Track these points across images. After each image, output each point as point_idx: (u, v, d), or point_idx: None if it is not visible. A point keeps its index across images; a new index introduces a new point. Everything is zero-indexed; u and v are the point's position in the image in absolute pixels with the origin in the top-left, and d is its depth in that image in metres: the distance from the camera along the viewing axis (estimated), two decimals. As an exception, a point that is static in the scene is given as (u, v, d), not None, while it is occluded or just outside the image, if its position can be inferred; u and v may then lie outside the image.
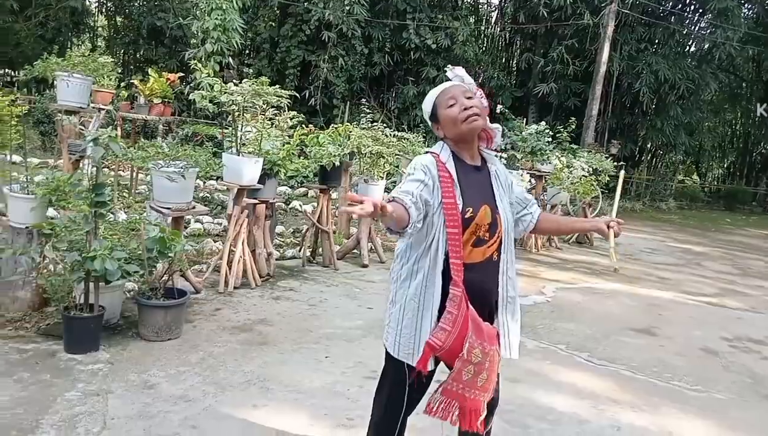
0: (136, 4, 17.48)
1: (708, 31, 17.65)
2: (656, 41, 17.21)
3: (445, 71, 2.39)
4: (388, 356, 2.27)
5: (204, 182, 9.43)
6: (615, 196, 2.56)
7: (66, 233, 3.86)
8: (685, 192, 22.44)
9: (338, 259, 6.59)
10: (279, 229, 7.81)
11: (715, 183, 25.91)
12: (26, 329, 4.04)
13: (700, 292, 7.31)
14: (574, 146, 9.18)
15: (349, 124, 6.45)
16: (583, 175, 8.42)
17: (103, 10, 18.61)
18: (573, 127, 9.08)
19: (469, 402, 2.12)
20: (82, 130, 6.67)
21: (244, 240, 5.30)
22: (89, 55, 6.73)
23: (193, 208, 4.84)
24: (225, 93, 5.00)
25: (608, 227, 2.34)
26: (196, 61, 5.51)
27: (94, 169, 3.88)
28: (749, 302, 7.08)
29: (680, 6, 18.28)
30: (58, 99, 6.18)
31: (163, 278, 4.22)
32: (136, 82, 8.82)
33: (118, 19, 18.44)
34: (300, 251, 6.56)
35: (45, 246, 4.10)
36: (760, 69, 21.85)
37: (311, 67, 16.37)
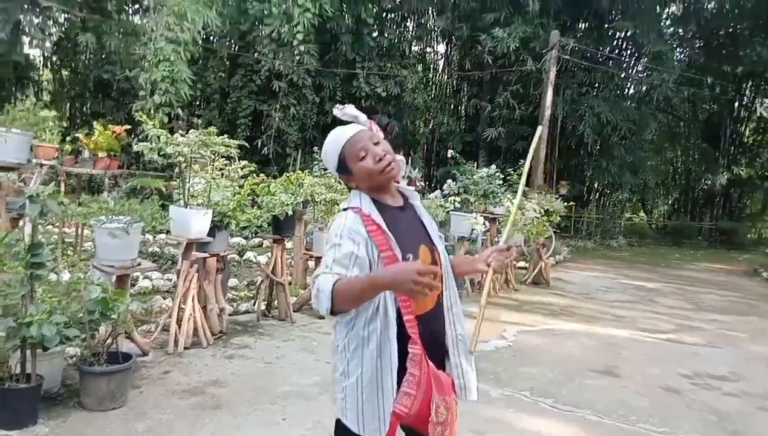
0: (82, 57, 17.23)
1: (645, 74, 18.52)
2: (597, 85, 17.93)
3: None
4: (347, 432, 2.01)
5: (154, 236, 9.13)
6: (512, 207, 2.33)
7: (0, 297, 3.61)
8: (634, 229, 23.06)
9: (295, 311, 6.40)
10: (232, 282, 7.58)
11: (662, 219, 26.80)
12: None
13: (655, 328, 7.38)
14: (525, 188, 9.30)
15: (301, 172, 6.35)
16: (536, 217, 8.51)
17: (48, 63, 18.25)
18: (523, 169, 9.21)
19: None
20: (21, 187, 6.38)
21: (194, 296, 5.08)
22: (31, 109, 6.51)
23: (139, 264, 4.62)
24: (171, 144, 4.85)
25: (487, 263, 2.13)
26: (141, 113, 5.36)
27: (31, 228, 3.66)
28: (705, 336, 7.18)
29: (617, 51, 19.14)
30: (-6, 156, 5.90)
31: (107, 342, 3.97)
32: (80, 136, 8.56)
33: (64, 72, 18.11)
34: (254, 304, 6.35)
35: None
36: (696, 109, 23.00)
37: (263, 116, 16.34)
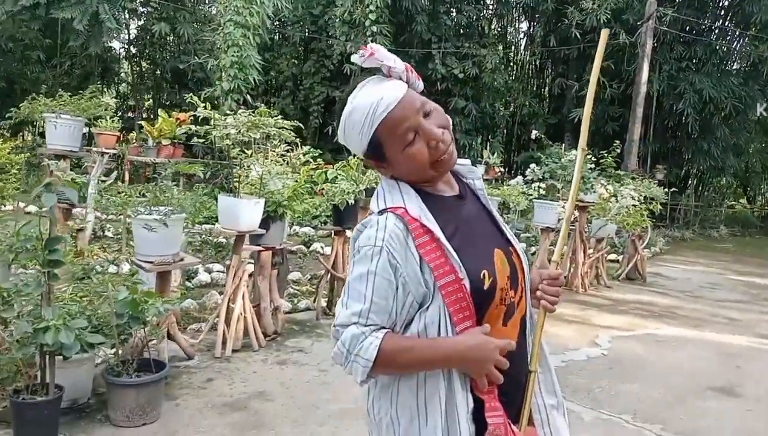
0: (158, 47, 17.37)
1: (753, 46, 16.64)
2: (698, 59, 16.24)
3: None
4: None
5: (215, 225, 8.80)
6: (563, 223, 1.49)
7: (16, 298, 3.20)
8: (736, 218, 21.06)
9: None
10: (295, 275, 7.11)
11: (766, 207, 24.41)
12: (-22, 414, 3.37)
13: (779, 335, 6.30)
14: (620, 173, 8.30)
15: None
16: (633, 205, 7.51)
17: (127, 56, 18.60)
18: (618, 151, 8.21)
19: None
20: (72, 175, 6.12)
21: (244, 294, 4.58)
22: (87, 95, 6.24)
23: (181, 259, 4.15)
24: (217, 126, 4.35)
25: (536, 296, 1.44)
26: (191, 95, 4.89)
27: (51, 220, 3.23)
28: (842, 346, 6.04)
29: (722, 21, 17.32)
30: (46, 143, 5.64)
31: (137, 349, 3.51)
32: (144, 124, 8.34)
33: (143, 63, 18.38)
34: (314, 301, 5.81)
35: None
36: (811, 84, 20.61)
37: (336, 102, 15.91)
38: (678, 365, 5.09)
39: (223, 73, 11.68)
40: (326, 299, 5.83)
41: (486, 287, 1.29)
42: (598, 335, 5.77)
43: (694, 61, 16.10)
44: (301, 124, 5.13)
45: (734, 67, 17.85)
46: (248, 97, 11.87)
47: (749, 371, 5.05)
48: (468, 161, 1.53)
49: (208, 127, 4.48)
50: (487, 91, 16.28)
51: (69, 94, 5.92)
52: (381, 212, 1.33)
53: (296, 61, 16.76)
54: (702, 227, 17.07)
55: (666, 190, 10.07)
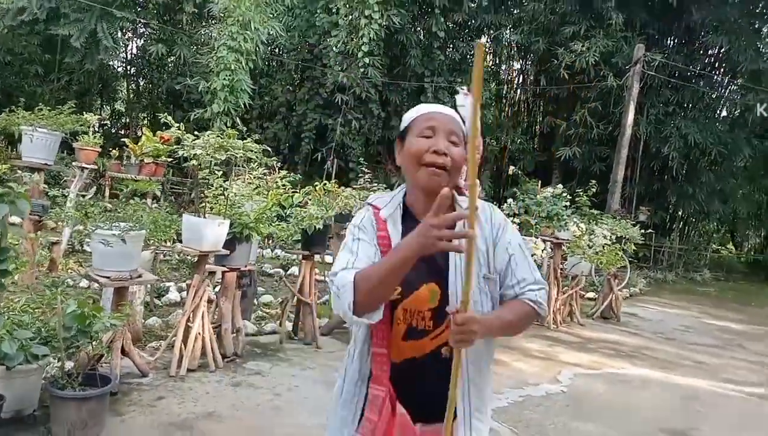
0: (155, 68, 17.57)
1: (740, 94, 16.93)
2: (685, 104, 16.52)
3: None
4: None
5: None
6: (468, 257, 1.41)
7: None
8: (721, 262, 21.14)
9: (323, 334, 5.82)
10: (266, 299, 7.11)
11: (753, 253, 24.52)
12: None
13: (744, 380, 6.31)
14: (595, 212, 8.38)
15: (336, 183, 5.81)
16: (606, 244, 7.57)
17: (126, 74, 18.79)
18: (594, 190, 8.32)
19: None
20: (45, 188, 6.16)
21: (203, 313, 4.58)
22: (65, 111, 6.31)
23: (139, 276, 4.17)
24: (186, 146, 4.41)
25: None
26: (165, 115, 4.97)
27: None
28: (805, 394, 6.05)
29: (709, 68, 17.65)
30: (22, 155, 5.70)
31: (85, 363, 3.51)
32: (127, 141, 8.40)
33: (141, 82, 18.57)
34: (280, 325, 5.81)
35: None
36: (797, 134, 20.91)
37: (327, 130, 16.04)
38: (637, 406, 5.09)
39: (215, 96, 11.82)
40: (292, 324, 5.83)
41: (395, 295, 1.58)
42: (561, 371, 5.77)
43: (681, 106, 16.37)
44: (269, 148, 5.19)
45: (721, 115, 18.12)
46: (238, 120, 11.99)
47: (708, 416, 5.05)
48: (485, 205, 1.74)
49: (177, 147, 4.54)
50: (477, 126, 16.45)
51: (50, 109, 6.00)
52: (369, 204, 1.75)
53: (290, 88, 16.93)
54: (686, 269, 17.13)
55: (645, 231, 10.15)
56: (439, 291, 1.61)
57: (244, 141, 4.74)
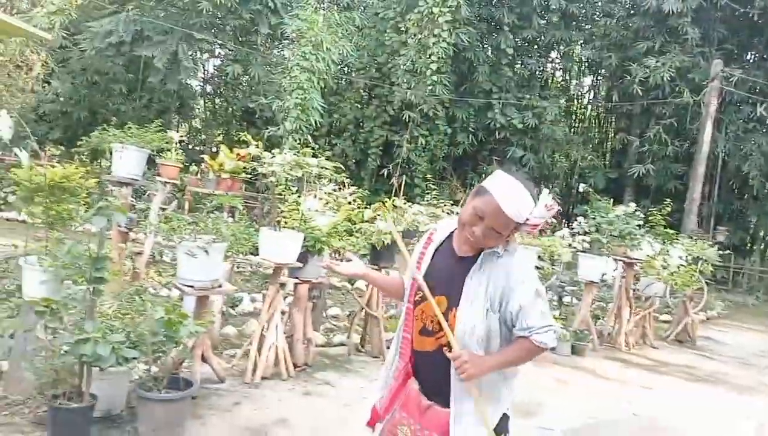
0: (231, 87, 18.33)
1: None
2: (766, 121, 15.80)
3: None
4: None
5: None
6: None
7: (63, 310, 3.49)
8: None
9: (389, 348, 5.90)
10: (335, 311, 7.28)
11: None
12: (23, 415, 3.65)
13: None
14: (670, 231, 8.13)
15: (403, 199, 5.92)
16: (681, 264, 7.34)
17: (203, 93, 19.68)
18: (669, 209, 8.08)
19: None
20: (133, 202, 6.56)
21: (277, 324, 4.77)
22: (152, 129, 6.70)
23: (220, 286, 4.40)
24: (265, 163, 4.63)
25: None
26: (244, 133, 5.23)
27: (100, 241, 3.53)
28: None
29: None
30: (112, 171, 6.10)
31: (170, 367, 3.73)
32: (206, 157, 8.81)
33: (217, 101, 19.40)
34: (348, 337, 5.94)
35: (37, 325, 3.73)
36: None
37: (394, 146, 16.27)
38: (710, 432, 4.91)
39: (287, 114, 12.23)
40: (360, 336, 5.95)
41: (416, 297, 2.12)
42: (633, 394, 5.63)
43: (762, 122, 15.66)
44: (341, 165, 5.36)
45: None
46: (309, 137, 12.35)
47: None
48: (512, 260, 2.03)
49: (255, 164, 4.77)
50: (546, 142, 16.30)
51: (137, 126, 6.38)
52: (434, 227, 2.28)
53: (359, 106, 17.29)
54: (767, 292, 16.27)
55: (723, 252, 9.75)
56: (446, 304, 2.03)
57: (317, 158, 4.92)
